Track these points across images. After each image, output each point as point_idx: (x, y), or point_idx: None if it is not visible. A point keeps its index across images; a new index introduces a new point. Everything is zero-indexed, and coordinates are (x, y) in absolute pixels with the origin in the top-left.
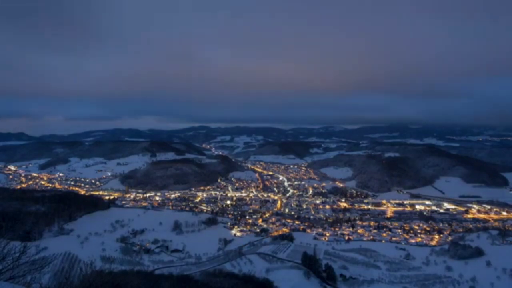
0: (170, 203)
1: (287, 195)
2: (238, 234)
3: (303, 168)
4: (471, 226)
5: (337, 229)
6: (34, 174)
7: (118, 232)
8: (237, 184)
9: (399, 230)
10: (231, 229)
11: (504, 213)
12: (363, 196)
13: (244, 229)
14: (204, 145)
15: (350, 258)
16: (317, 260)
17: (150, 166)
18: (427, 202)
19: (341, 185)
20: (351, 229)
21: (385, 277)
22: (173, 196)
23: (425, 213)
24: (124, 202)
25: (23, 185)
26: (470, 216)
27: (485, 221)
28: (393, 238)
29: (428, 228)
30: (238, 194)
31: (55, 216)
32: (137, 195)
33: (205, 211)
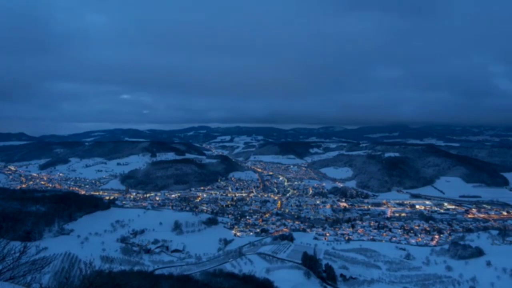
0: (170, 203)
1: (287, 195)
2: (238, 234)
3: (303, 168)
4: (471, 226)
5: (337, 229)
6: (34, 174)
7: (118, 232)
8: (237, 184)
9: (399, 230)
10: (231, 229)
11: (504, 213)
12: (363, 196)
13: (244, 229)
14: (204, 145)
15: (350, 258)
16: (317, 260)
17: (150, 166)
18: (427, 202)
19: (341, 185)
20: (351, 229)
21: (385, 277)
22: (173, 196)
23: (425, 213)
24: (124, 202)
25: (23, 185)
26: (470, 216)
27: (485, 221)
28: (393, 238)
29: (428, 228)
30: (238, 194)
31: (55, 216)
32: (137, 195)
33: (205, 211)
